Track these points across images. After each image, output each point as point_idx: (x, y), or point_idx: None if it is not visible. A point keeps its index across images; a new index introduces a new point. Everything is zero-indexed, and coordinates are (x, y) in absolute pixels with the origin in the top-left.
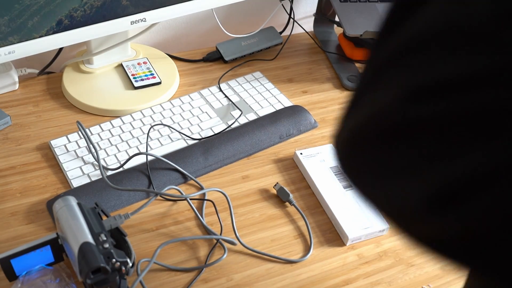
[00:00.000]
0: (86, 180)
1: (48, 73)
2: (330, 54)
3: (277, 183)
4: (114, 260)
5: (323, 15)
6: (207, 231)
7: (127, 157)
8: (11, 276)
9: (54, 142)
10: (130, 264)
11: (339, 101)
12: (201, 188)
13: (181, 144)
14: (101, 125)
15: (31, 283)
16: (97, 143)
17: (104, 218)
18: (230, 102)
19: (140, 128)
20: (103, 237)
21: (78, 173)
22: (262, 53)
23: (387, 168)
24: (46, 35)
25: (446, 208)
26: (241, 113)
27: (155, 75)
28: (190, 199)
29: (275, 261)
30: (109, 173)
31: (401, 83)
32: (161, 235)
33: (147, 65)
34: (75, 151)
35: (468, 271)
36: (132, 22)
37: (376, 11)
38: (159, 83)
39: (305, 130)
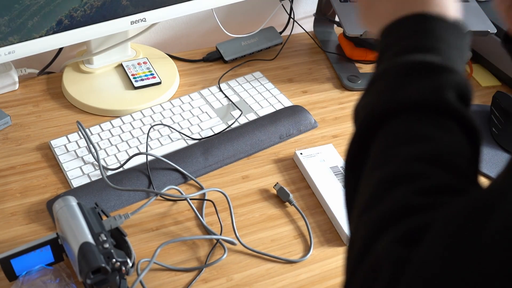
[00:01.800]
0: (86, 180)
1: (48, 73)
2: (330, 54)
3: (277, 183)
4: (114, 260)
5: (323, 15)
6: (207, 231)
7: (127, 157)
8: (11, 276)
9: (54, 142)
10: (130, 264)
11: (339, 101)
12: (201, 188)
13: (181, 144)
14: (101, 125)
15: (31, 283)
16: (97, 143)
17: (104, 218)
18: (230, 102)
19: (140, 128)
20: (103, 237)
21: (78, 173)
22: (262, 53)
23: None
24: (46, 35)
25: None
26: (241, 113)
27: (155, 75)
28: (190, 199)
29: (275, 261)
30: (109, 173)
31: None
32: (161, 235)
33: (147, 65)
34: (75, 151)
35: None
36: (132, 22)
37: None
38: (159, 83)
39: (305, 130)
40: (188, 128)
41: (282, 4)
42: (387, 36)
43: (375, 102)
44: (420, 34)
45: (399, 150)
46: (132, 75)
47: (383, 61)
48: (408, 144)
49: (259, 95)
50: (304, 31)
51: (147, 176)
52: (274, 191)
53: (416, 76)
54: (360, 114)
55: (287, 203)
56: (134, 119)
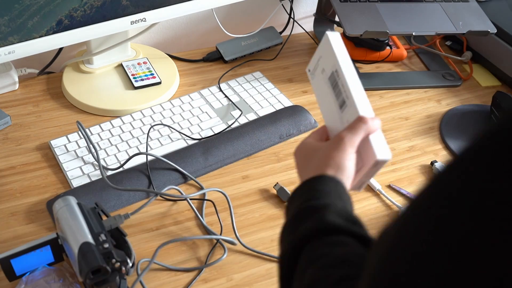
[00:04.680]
0: (86, 180)
1: (48, 73)
2: None
3: (277, 183)
4: (114, 260)
5: (323, 15)
6: (207, 231)
7: (127, 157)
8: (11, 276)
9: (54, 142)
10: (130, 264)
11: None
12: (201, 188)
13: (181, 144)
14: (101, 125)
15: (35, 284)
16: (97, 143)
17: (104, 218)
18: (230, 102)
19: (140, 128)
20: (103, 237)
21: (78, 173)
22: (262, 53)
23: None
24: (46, 35)
25: None
26: (241, 113)
27: (155, 75)
28: (190, 199)
29: (275, 261)
30: (109, 173)
31: None
32: (161, 235)
33: (147, 65)
34: (75, 151)
35: None
36: (132, 22)
37: (376, 11)
38: (159, 83)
39: (305, 130)
40: (188, 128)
41: (282, 4)
42: (297, 190)
43: (285, 248)
44: (312, 190)
45: (308, 268)
46: (132, 75)
47: (288, 214)
48: (313, 263)
49: (259, 95)
50: (304, 31)
51: (147, 176)
52: (274, 191)
53: (305, 217)
54: (281, 258)
55: (287, 203)
56: (134, 119)
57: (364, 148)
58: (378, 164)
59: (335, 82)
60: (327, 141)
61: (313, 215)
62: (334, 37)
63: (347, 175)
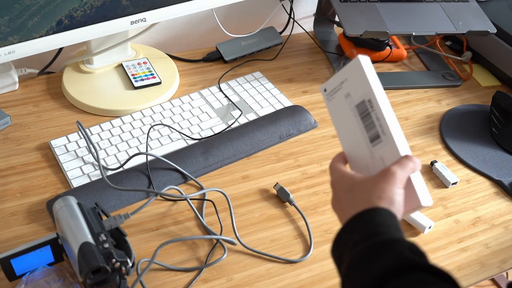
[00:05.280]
0: (86, 180)
1: (48, 73)
2: (330, 54)
3: (277, 183)
4: (114, 260)
5: (323, 15)
6: (207, 231)
7: (127, 157)
8: (11, 276)
9: (54, 142)
10: (130, 264)
11: None
12: (201, 188)
13: (181, 144)
14: (101, 125)
15: (35, 284)
16: (97, 143)
17: (104, 218)
18: (230, 102)
19: (140, 128)
20: (103, 237)
21: (78, 173)
22: (262, 53)
23: None
24: (46, 35)
25: None
26: (241, 113)
27: (155, 75)
28: (190, 199)
29: (275, 261)
30: (109, 173)
31: None
32: (161, 235)
33: (147, 65)
34: (75, 151)
35: None
36: (132, 22)
37: (376, 11)
38: (159, 83)
39: (305, 130)
40: (188, 128)
41: (282, 4)
42: (351, 223)
43: (360, 284)
44: (372, 224)
45: None
46: (132, 75)
47: (346, 252)
48: None
49: (259, 95)
50: (304, 31)
51: (147, 176)
52: (274, 191)
53: (380, 253)
54: None
55: (287, 203)
56: (134, 119)
57: (406, 189)
58: (419, 208)
59: (367, 112)
60: (375, 174)
61: (389, 252)
62: (365, 62)
63: (398, 209)
